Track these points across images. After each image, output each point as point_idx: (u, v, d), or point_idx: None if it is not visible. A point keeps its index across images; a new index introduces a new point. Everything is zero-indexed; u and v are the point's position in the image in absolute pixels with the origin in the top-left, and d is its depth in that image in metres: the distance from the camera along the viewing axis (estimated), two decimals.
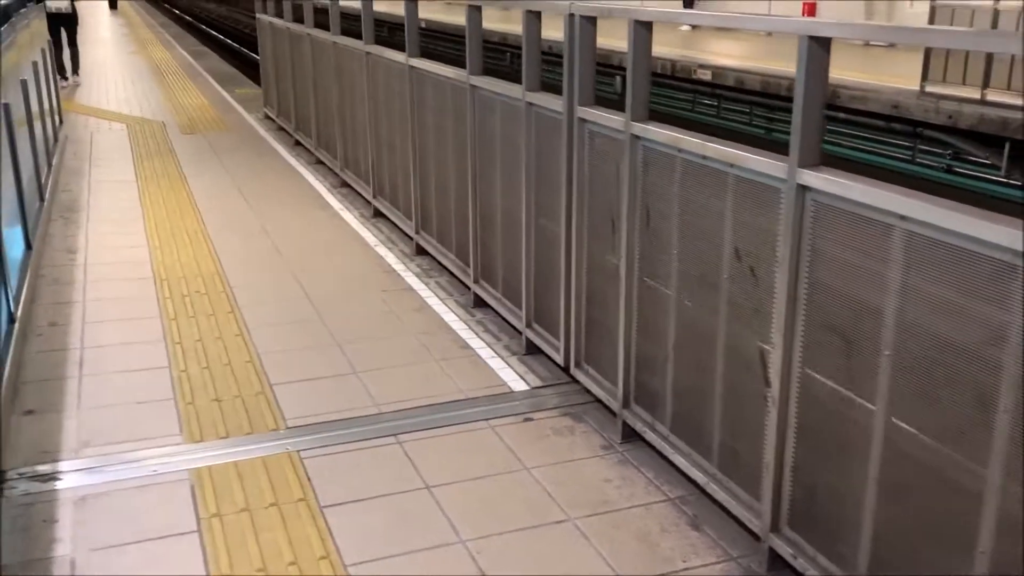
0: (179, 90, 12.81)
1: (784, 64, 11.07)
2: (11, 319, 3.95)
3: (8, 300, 3.95)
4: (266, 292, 4.81)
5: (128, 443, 3.26)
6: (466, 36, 4.32)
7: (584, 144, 3.37)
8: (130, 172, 7.66)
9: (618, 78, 12.71)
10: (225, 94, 12.34)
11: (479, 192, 4.42)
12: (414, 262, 5.36)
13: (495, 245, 4.36)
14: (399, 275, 5.14)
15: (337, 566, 2.59)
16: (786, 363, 2.38)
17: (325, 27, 7.20)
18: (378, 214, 6.29)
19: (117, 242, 5.69)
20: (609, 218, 3.26)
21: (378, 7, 6.42)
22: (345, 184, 7.12)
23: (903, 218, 1.97)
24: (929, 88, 9.35)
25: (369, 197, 6.39)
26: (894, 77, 9.78)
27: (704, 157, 2.64)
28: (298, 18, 8.18)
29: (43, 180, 6.32)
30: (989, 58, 8.76)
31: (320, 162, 7.93)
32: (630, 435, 3.27)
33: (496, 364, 3.97)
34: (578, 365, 3.65)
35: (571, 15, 3.28)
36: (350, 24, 6.80)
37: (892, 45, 13.82)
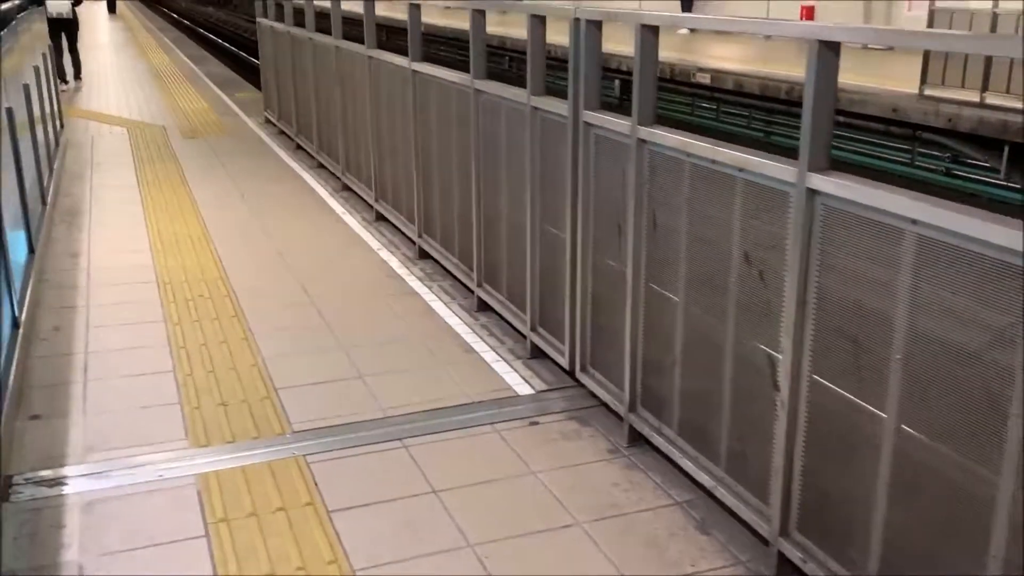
0: (179, 94, 12.81)
1: (783, 68, 11.09)
2: (15, 323, 3.94)
3: (12, 304, 3.95)
4: (270, 296, 4.81)
5: (134, 448, 3.26)
6: (470, 41, 4.33)
7: (590, 148, 3.38)
8: (132, 176, 7.66)
9: (617, 81, 12.75)
10: (225, 98, 12.34)
11: (483, 196, 4.42)
12: (417, 266, 5.36)
13: (499, 249, 4.36)
14: (402, 279, 5.14)
15: (345, 571, 2.59)
16: (795, 367, 2.38)
17: (325, 31, 7.21)
18: (380, 218, 6.30)
19: (120, 246, 5.69)
20: (615, 222, 3.26)
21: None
22: (347, 188, 7.12)
23: (914, 222, 1.97)
24: (928, 91, 9.37)
25: (371, 201, 6.39)
26: (893, 80, 9.79)
27: (712, 161, 2.64)
28: (299, 22, 8.18)
29: (45, 184, 6.32)
30: (988, 61, 8.79)
31: (321, 166, 7.93)
32: (636, 439, 3.27)
33: (501, 368, 3.97)
34: (584, 369, 3.65)
35: (576, 19, 3.29)
36: (349, 28, 6.82)
37: (890, 48, 13.85)
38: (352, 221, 6.35)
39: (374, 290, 4.96)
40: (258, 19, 10.29)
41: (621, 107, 10.04)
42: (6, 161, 4.50)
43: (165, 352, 4.07)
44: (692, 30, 16.13)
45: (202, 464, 3.16)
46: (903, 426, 2.10)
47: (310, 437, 3.34)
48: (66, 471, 3.11)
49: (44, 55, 8.38)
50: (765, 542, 2.62)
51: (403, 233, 5.86)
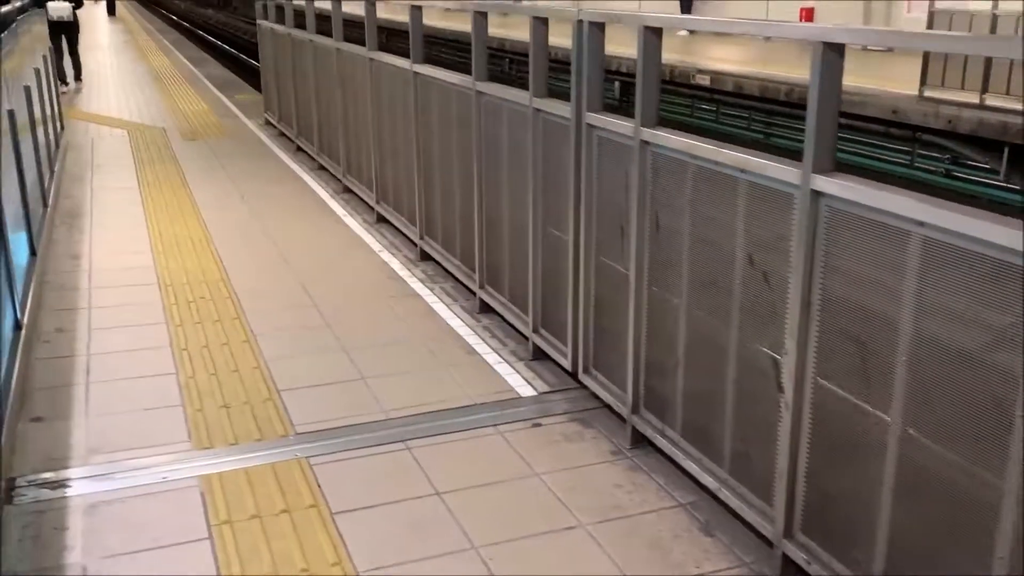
0: (179, 96, 12.81)
1: (783, 69, 11.10)
2: (17, 325, 3.94)
3: (15, 306, 3.95)
4: (271, 298, 4.81)
5: (137, 450, 3.26)
6: (472, 43, 4.33)
7: (592, 150, 3.38)
8: (132, 178, 7.66)
9: (616, 83, 12.76)
10: (225, 100, 12.34)
11: (485, 198, 4.42)
12: (419, 268, 5.36)
13: (501, 251, 4.36)
14: (404, 281, 5.14)
15: (349, 573, 2.59)
16: (800, 369, 2.39)
17: (323, 33, 7.22)
18: (381, 220, 6.30)
19: (121, 248, 5.69)
20: (618, 224, 3.26)
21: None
22: (348, 190, 7.12)
23: (921, 224, 1.97)
24: (928, 93, 9.38)
25: (372, 203, 6.39)
26: (892, 82, 9.80)
27: (716, 163, 2.64)
28: (299, 24, 8.19)
29: (46, 186, 6.32)
30: (988, 63, 8.80)
31: (322, 168, 7.93)
32: (639, 440, 3.27)
33: (503, 369, 3.97)
34: (586, 370, 3.65)
35: (579, 21, 3.29)
36: (346, 31, 6.82)
37: (890, 50, 13.87)
38: (353, 223, 6.35)
39: (376, 292, 4.96)
40: (258, 21, 10.29)
41: (620, 109, 10.04)
42: (8, 163, 4.50)
43: (167, 354, 4.07)
44: (691, 32, 16.14)
45: (205, 466, 3.15)
46: (907, 428, 2.10)
47: (313, 439, 3.34)
48: (69, 473, 3.11)
49: (45, 57, 8.38)
50: (769, 544, 2.62)
51: (404, 235, 5.86)
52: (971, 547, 1.97)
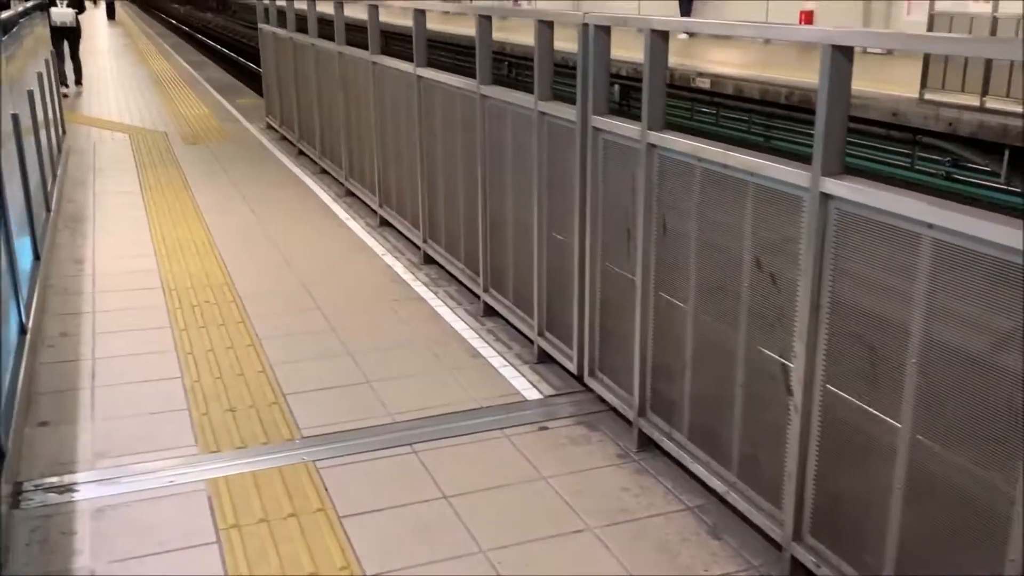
0: (180, 100, 12.82)
1: (784, 72, 11.11)
2: (23, 330, 3.94)
3: (20, 311, 3.95)
4: (275, 302, 4.81)
5: (143, 454, 3.25)
6: (476, 47, 4.34)
7: (598, 153, 3.38)
8: (134, 182, 7.66)
9: (616, 86, 12.77)
10: (226, 104, 12.35)
11: (489, 201, 4.43)
12: (422, 271, 5.37)
13: (506, 254, 4.36)
14: (408, 284, 5.14)
15: None
16: (809, 371, 2.39)
17: (325, 37, 7.23)
18: (384, 223, 6.30)
19: (124, 252, 5.69)
20: (624, 227, 3.27)
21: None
22: (350, 193, 7.13)
23: (930, 226, 1.98)
24: (928, 95, 9.40)
25: (375, 207, 6.40)
26: (892, 84, 9.82)
27: (724, 166, 2.65)
28: (301, 28, 8.20)
29: (49, 190, 6.32)
30: (988, 65, 8.82)
31: (324, 172, 7.94)
32: (646, 444, 3.27)
33: (508, 373, 3.97)
34: (592, 374, 3.65)
35: (585, 25, 3.30)
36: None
37: (889, 52, 13.89)
38: (356, 226, 6.35)
39: (379, 295, 4.96)
40: (260, 25, 10.30)
41: (621, 112, 10.06)
42: (12, 167, 4.50)
43: (172, 358, 4.07)
44: (691, 34, 16.16)
45: (212, 470, 3.15)
46: (918, 430, 2.10)
47: (319, 442, 3.34)
48: (76, 477, 3.11)
49: (47, 61, 8.38)
50: (778, 547, 2.62)
51: (407, 238, 5.86)
52: (982, 549, 1.97)
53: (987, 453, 1.95)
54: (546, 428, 3.47)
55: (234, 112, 11.62)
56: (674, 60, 13.13)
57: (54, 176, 6.92)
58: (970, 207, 1.94)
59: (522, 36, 14.77)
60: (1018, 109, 8.39)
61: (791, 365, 2.46)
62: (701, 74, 11.68)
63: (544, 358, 4.04)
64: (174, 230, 6.17)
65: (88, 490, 3.03)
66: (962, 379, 1.97)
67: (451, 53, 16.52)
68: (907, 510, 2.16)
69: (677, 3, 18.34)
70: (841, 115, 2.23)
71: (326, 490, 3.02)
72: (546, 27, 3.70)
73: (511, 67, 15.71)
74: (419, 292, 5.01)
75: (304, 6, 7.90)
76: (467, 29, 16.57)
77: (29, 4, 7.92)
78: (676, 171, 2.91)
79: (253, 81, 15.49)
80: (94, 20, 31.68)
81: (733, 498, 2.78)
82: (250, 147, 9.36)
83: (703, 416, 2.96)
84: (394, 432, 3.43)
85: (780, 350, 2.52)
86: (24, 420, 3.42)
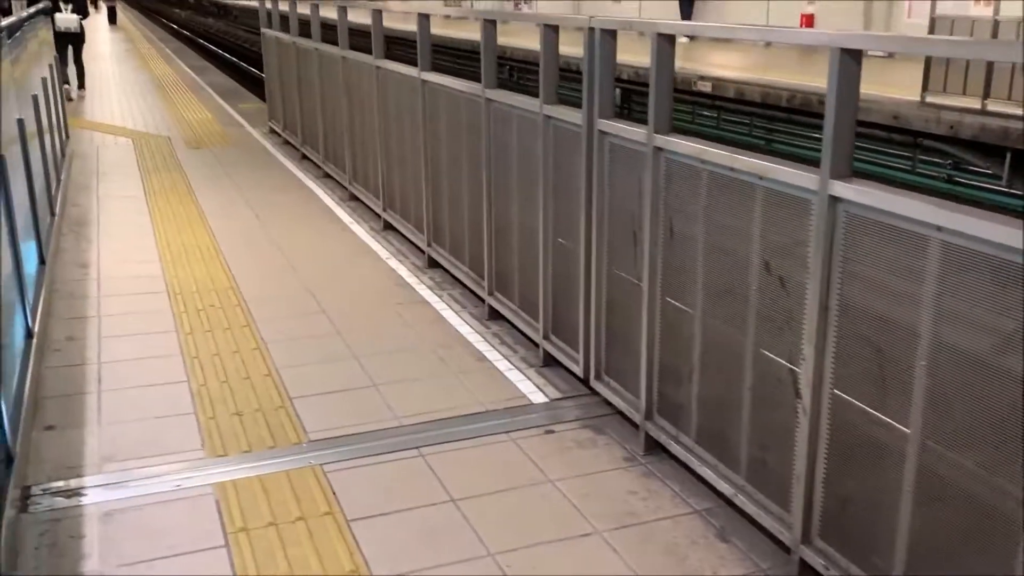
0: (182, 105, 12.84)
1: (785, 75, 11.12)
2: (29, 334, 3.95)
3: (26, 315, 3.95)
4: (281, 306, 4.81)
5: (150, 458, 3.26)
6: (481, 51, 4.35)
7: (604, 156, 3.39)
8: (138, 187, 7.67)
9: (616, 90, 12.76)
10: (229, 108, 12.37)
11: (494, 205, 4.44)
12: (426, 275, 5.37)
13: (511, 257, 4.37)
14: (412, 288, 5.14)
15: None
16: (817, 374, 2.39)
17: (328, 42, 7.24)
18: (388, 227, 6.31)
19: (129, 256, 5.69)
20: (631, 230, 3.27)
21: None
22: (354, 197, 7.14)
23: (939, 229, 1.98)
24: (930, 99, 9.41)
25: (379, 210, 6.41)
26: (894, 88, 9.83)
27: (731, 169, 2.65)
28: (304, 33, 8.21)
29: (53, 195, 6.33)
30: (989, 68, 8.83)
31: (328, 176, 7.95)
32: (653, 447, 3.27)
33: (514, 376, 3.97)
34: (598, 377, 3.66)
35: (591, 29, 3.31)
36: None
37: (890, 55, 13.91)
38: (360, 230, 6.36)
39: (384, 299, 4.97)
40: (263, 30, 10.32)
41: (621, 115, 10.06)
42: (17, 172, 4.51)
43: (178, 362, 4.08)
44: (691, 37, 16.19)
45: (219, 474, 3.15)
46: (927, 432, 2.10)
47: (326, 446, 3.34)
48: (83, 481, 3.11)
49: (51, 66, 8.40)
50: (787, 550, 2.62)
51: (411, 242, 5.87)
52: (993, 551, 1.97)
53: (997, 455, 1.95)
54: (552, 432, 3.47)
55: (237, 116, 11.63)
56: (675, 64, 13.16)
57: (58, 180, 6.94)
58: (979, 209, 1.94)
59: (522, 40, 14.79)
60: (1020, 112, 8.40)
61: (800, 367, 2.46)
62: (702, 78, 11.70)
63: (550, 361, 4.05)
64: (178, 234, 6.18)
65: (96, 494, 3.04)
66: (972, 382, 1.98)
67: (451, 57, 16.54)
68: (917, 512, 2.16)
69: (677, 4, 18.37)
70: (850, 118, 2.24)
71: (334, 493, 3.02)
72: (551, 31, 3.71)
73: (512, 71, 15.72)
74: (424, 296, 5.02)
75: (307, 11, 7.92)
76: (466, 33, 16.59)
77: (33, 9, 7.94)
78: (683, 174, 2.92)
79: (255, 86, 15.52)
80: (95, 25, 31.73)
81: (741, 501, 2.79)
82: (253, 151, 9.37)
83: (711, 419, 2.96)
84: (401, 436, 3.43)
85: (789, 353, 2.52)
86: (31, 424, 3.43)
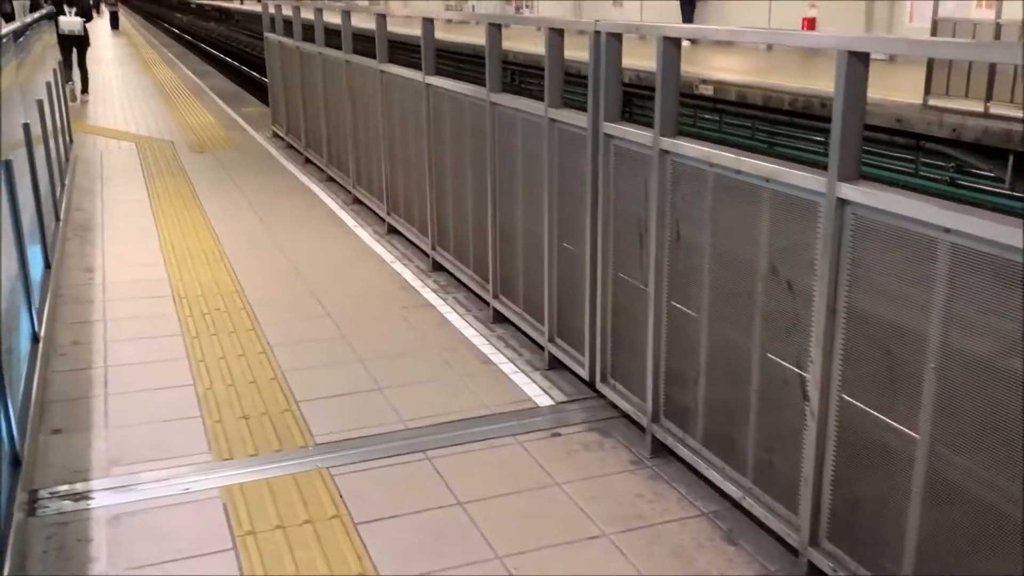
0: (186, 109, 12.87)
1: (788, 79, 11.13)
2: (35, 338, 3.95)
3: (32, 319, 3.96)
4: (286, 309, 4.82)
5: (157, 461, 3.26)
6: (486, 55, 4.36)
7: (610, 160, 3.40)
8: (142, 191, 7.69)
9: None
10: (232, 112, 12.39)
11: (499, 208, 4.44)
12: (431, 278, 5.38)
13: (515, 260, 4.37)
14: (417, 291, 5.15)
15: None
16: (825, 376, 2.39)
17: (331, 46, 7.26)
18: (392, 231, 6.32)
19: (134, 260, 5.70)
20: (636, 233, 3.28)
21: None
22: (357, 201, 7.15)
23: (948, 231, 1.99)
24: (932, 102, 9.41)
25: (383, 214, 6.41)
26: (895, 91, 9.83)
27: (738, 172, 2.66)
28: (307, 37, 8.23)
29: (58, 199, 6.34)
30: (992, 71, 8.84)
31: (331, 179, 7.96)
32: (659, 450, 3.27)
33: (520, 379, 3.98)
34: (604, 380, 3.66)
35: (597, 32, 3.31)
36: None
37: (892, 58, 13.91)
38: (364, 234, 6.37)
39: (389, 302, 4.97)
40: (266, 34, 10.34)
41: (621, 118, 10.05)
42: (23, 176, 4.52)
43: (184, 366, 4.08)
44: (693, 41, 16.21)
45: (226, 477, 3.16)
46: (936, 434, 2.10)
47: (333, 449, 3.34)
48: (91, 485, 3.12)
49: (55, 71, 8.43)
50: (794, 552, 2.62)
51: (416, 245, 5.88)
52: (1002, 555, 1.97)
53: (1007, 459, 1.95)
54: (559, 434, 3.47)
55: (240, 121, 11.65)
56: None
57: (62, 185, 6.95)
58: (987, 211, 1.94)
59: (523, 44, 14.81)
60: (1022, 115, 8.39)
61: (808, 370, 2.46)
62: (704, 81, 11.71)
63: (555, 364, 4.05)
64: (183, 238, 6.19)
65: (103, 497, 3.04)
66: (981, 385, 1.98)
67: (453, 61, 16.56)
68: (925, 515, 2.16)
69: (678, 5, 18.38)
70: (857, 121, 2.24)
71: (341, 496, 3.02)
72: (556, 34, 3.72)
73: (513, 75, 15.74)
74: (428, 299, 5.02)
75: (311, 15, 7.94)
76: (467, 38, 16.61)
77: (37, 15, 7.97)
78: (689, 177, 2.92)
79: (258, 90, 15.55)
80: (98, 30, 31.81)
81: (749, 503, 2.79)
82: (257, 155, 9.39)
83: (717, 422, 2.96)
84: (407, 439, 3.43)
85: (796, 355, 2.52)
86: (38, 428, 3.43)
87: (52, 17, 11.84)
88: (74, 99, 12.69)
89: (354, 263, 5.72)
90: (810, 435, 2.47)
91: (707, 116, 12.11)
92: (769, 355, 2.65)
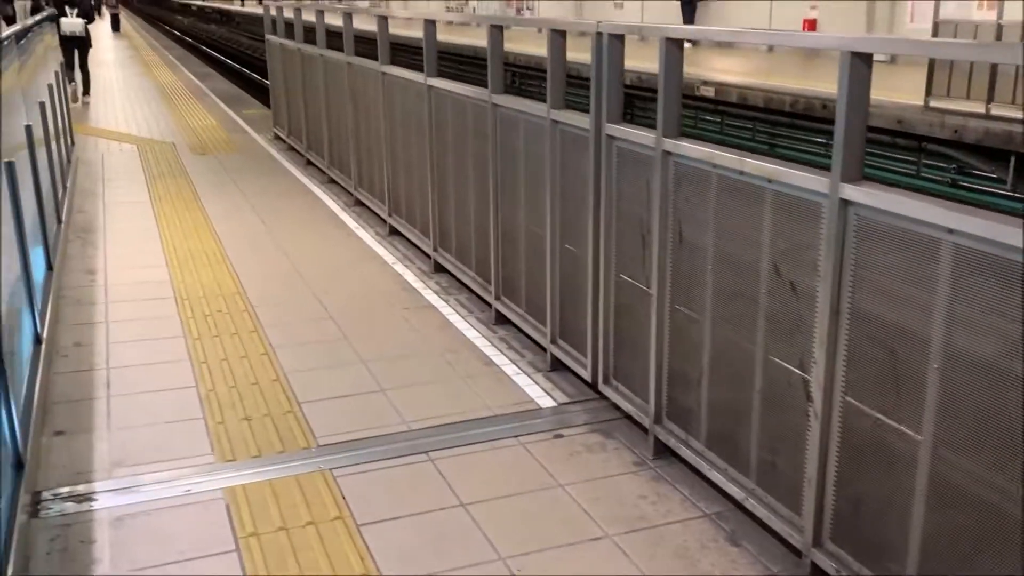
0: (187, 111, 12.88)
1: (790, 81, 11.13)
2: (37, 340, 3.95)
3: (35, 321, 3.96)
4: (288, 311, 4.82)
5: (160, 463, 3.26)
6: (488, 57, 4.36)
7: (612, 161, 3.40)
8: (144, 193, 7.69)
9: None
10: (233, 115, 12.40)
11: (501, 210, 4.44)
12: (432, 280, 5.38)
13: (518, 262, 4.38)
14: (419, 293, 5.15)
15: None
16: (828, 377, 2.39)
17: (332, 48, 7.26)
18: (394, 232, 6.32)
19: (135, 262, 5.71)
20: (639, 234, 3.28)
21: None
22: (359, 203, 7.15)
23: (951, 231, 1.99)
24: (933, 103, 9.41)
25: (385, 216, 6.42)
26: (896, 92, 9.83)
27: (741, 173, 2.66)
28: (309, 39, 8.24)
29: (59, 201, 6.34)
30: (993, 72, 8.84)
31: (332, 181, 7.97)
32: (662, 451, 3.27)
33: (522, 381, 3.98)
34: (607, 381, 3.66)
35: (599, 33, 3.32)
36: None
37: (893, 59, 13.91)
38: (366, 235, 6.37)
39: (391, 304, 4.98)
40: (267, 37, 10.35)
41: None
42: (25, 178, 4.52)
43: (186, 367, 4.08)
44: (694, 42, 16.21)
45: (229, 478, 3.16)
46: (940, 435, 2.10)
47: (336, 451, 3.34)
48: (94, 486, 3.12)
49: (57, 73, 8.43)
50: (798, 553, 2.62)
51: (417, 247, 5.88)
52: (1007, 556, 1.97)
53: (1010, 460, 1.94)
54: (561, 436, 3.47)
55: (241, 123, 11.66)
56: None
57: (64, 187, 6.96)
58: (991, 212, 1.94)
59: (520, 45, 14.81)
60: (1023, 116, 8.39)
61: (811, 371, 2.46)
62: (705, 82, 11.72)
63: (557, 365, 4.05)
64: (185, 240, 6.19)
65: (106, 499, 3.04)
66: (985, 386, 1.98)
67: (452, 63, 16.57)
68: (929, 515, 2.16)
69: (679, 6, 18.39)
70: (860, 121, 2.24)
71: (343, 498, 3.02)
72: (559, 36, 3.73)
73: (514, 77, 15.75)
74: (430, 300, 5.02)
75: (312, 17, 7.95)
76: (467, 39, 16.62)
77: (39, 17, 7.98)
78: (691, 178, 2.92)
79: (259, 92, 15.55)
80: (99, 32, 31.84)
81: (751, 504, 2.78)
82: (258, 158, 9.39)
83: (720, 423, 2.96)
84: (410, 440, 3.43)
85: (799, 356, 2.52)
86: (41, 430, 3.43)
87: (54, 19, 11.85)
88: (75, 100, 12.70)
89: (356, 265, 5.72)
90: (813, 436, 2.47)
91: (708, 118, 12.13)
92: (772, 356, 2.65)
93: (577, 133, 3.59)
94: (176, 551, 2.75)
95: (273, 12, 9.95)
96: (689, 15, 18.12)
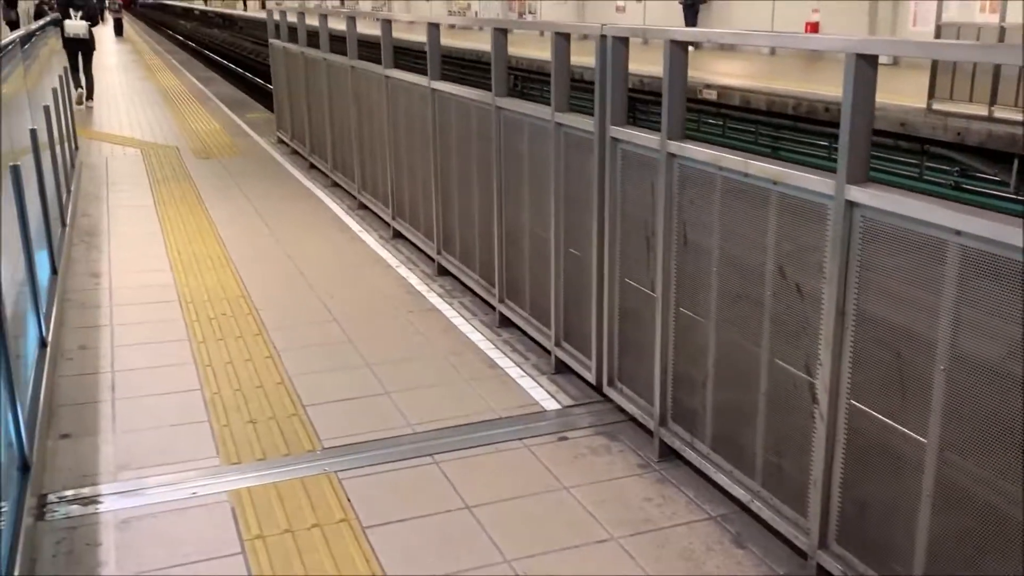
0: (190, 115, 12.91)
1: (793, 84, 11.14)
2: (43, 343, 3.96)
3: (40, 324, 3.97)
4: (292, 314, 4.83)
5: (166, 466, 3.27)
6: (492, 61, 4.37)
7: (616, 163, 3.40)
8: (148, 196, 7.71)
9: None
10: (236, 119, 12.43)
11: (505, 213, 4.45)
12: (436, 282, 5.38)
13: (522, 265, 4.38)
14: (423, 296, 5.15)
15: None
16: (834, 379, 2.39)
17: (335, 52, 7.27)
18: (397, 235, 6.33)
19: (140, 266, 5.72)
20: (644, 236, 3.28)
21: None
22: (362, 206, 7.16)
23: (958, 233, 1.99)
24: (936, 106, 9.41)
25: (388, 219, 6.43)
26: (899, 95, 9.84)
27: (746, 175, 2.66)
28: (312, 44, 8.25)
29: (64, 205, 6.36)
30: (996, 75, 8.84)
31: (336, 185, 7.98)
32: (667, 453, 3.27)
33: (526, 383, 3.98)
34: (611, 384, 3.66)
35: (603, 36, 3.32)
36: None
37: (895, 63, 13.92)
38: (369, 239, 6.38)
39: (395, 307, 4.98)
40: (270, 40, 10.37)
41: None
42: (30, 182, 4.53)
43: (191, 370, 4.09)
44: (696, 45, 16.23)
45: (234, 481, 3.16)
46: (946, 437, 2.10)
47: (341, 453, 3.35)
48: (99, 489, 3.12)
49: (61, 77, 8.46)
50: (803, 555, 2.62)
51: (421, 250, 5.89)
52: (1012, 558, 1.97)
53: (1016, 463, 1.94)
54: (566, 438, 3.47)
55: (244, 127, 11.69)
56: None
57: (68, 190, 6.98)
58: (997, 214, 1.94)
59: (521, 49, 14.83)
60: None
61: (817, 373, 2.46)
62: (708, 85, 11.72)
63: (561, 368, 4.05)
64: (189, 243, 6.20)
65: (112, 502, 3.04)
66: (991, 388, 1.98)
67: (454, 67, 16.59)
68: (935, 518, 2.16)
69: (680, 8, 18.41)
70: (866, 123, 2.24)
71: (349, 500, 3.03)
72: (563, 39, 3.73)
73: (516, 81, 15.76)
74: (434, 303, 5.03)
75: (315, 22, 7.97)
76: (470, 43, 16.65)
77: (43, 21, 8.01)
78: (696, 181, 2.93)
79: (262, 96, 15.59)
80: (102, 36, 31.91)
81: (757, 507, 2.78)
82: (262, 161, 9.41)
83: (726, 425, 2.96)
84: (414, 443, 3.43)
85: (805, 359, 2.52)
86: (46, 433, 3.44)
87: (58, 23, 11.88)
88: (80, 103, 12.73)
89: (360, 268, 5.72)
90: (819, 438, 2.47)
91: (711, 121, 12.14)
92: (778, 359, 2.65)
93: (581, 136, 3.60)
94: (182, 554, 2.76)
95: (276, 16, 9.97)
96: (691, 18, 18.14)
